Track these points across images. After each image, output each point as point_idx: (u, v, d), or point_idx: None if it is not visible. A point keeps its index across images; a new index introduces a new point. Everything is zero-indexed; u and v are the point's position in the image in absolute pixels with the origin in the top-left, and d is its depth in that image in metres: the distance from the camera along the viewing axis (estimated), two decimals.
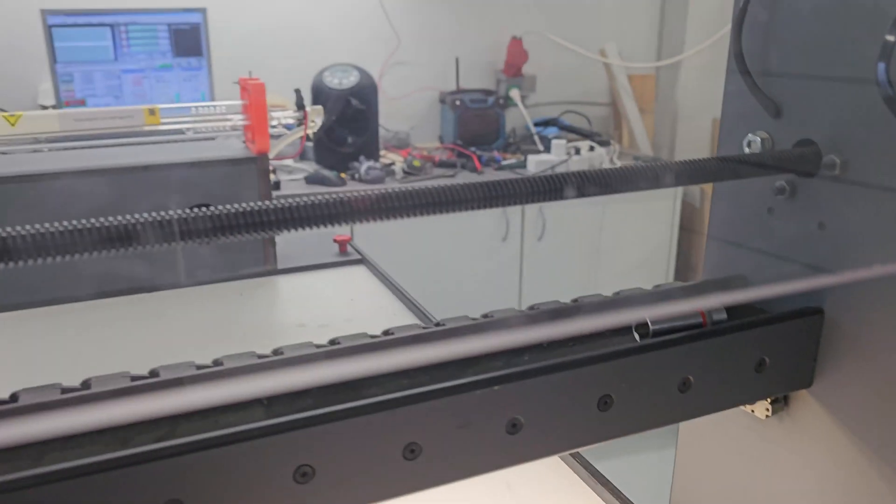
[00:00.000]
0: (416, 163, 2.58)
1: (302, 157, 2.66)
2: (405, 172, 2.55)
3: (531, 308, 0.52)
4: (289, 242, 1.49)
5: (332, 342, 0.47)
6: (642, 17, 3.14)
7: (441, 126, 3.01)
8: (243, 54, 2.64)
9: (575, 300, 0.54)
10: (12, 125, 1.15)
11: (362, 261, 1.45)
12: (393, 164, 2.63)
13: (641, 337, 0.51)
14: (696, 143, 3.05)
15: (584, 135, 2.89)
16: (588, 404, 0.45)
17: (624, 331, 0.53)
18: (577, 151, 2.65)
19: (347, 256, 1.47)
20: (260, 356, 0.43)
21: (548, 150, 2.75)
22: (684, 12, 2.98)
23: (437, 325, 0.50)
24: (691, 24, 2.95)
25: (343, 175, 2.49)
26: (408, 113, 3.03)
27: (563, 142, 2.67)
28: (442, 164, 2.67)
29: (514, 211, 2.60)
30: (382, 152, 2.72)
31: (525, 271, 2.65)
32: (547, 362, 0.44)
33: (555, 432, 0.44)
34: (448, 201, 0.40)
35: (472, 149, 2.78)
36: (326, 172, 2.46)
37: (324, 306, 1.25)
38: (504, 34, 2.94)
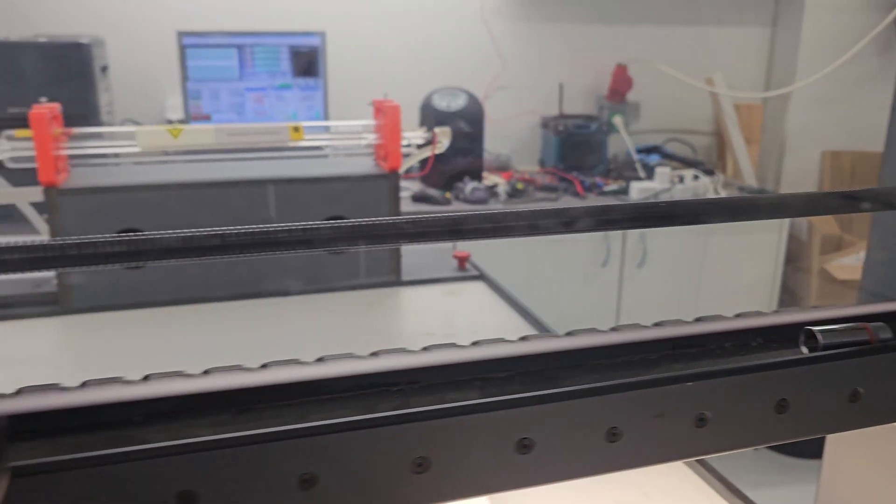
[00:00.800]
0: (520, 185, 2.64)
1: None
2: (508, 195, 2.61)
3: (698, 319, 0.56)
4: (408, 255, 1.55)
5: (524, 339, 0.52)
6: (751, 46, 3.12)
7: (542, 150, 3.05)
8: (355, 76, 2.76)
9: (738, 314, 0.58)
10: (175, 137, 1.26)
11: (481, 277, 1.50)
12: (496, 185, 2.69)
13: (810, 350, 0.54)
14: (803, 175, 3.00)
15: (688, 163, 2.88)
16: (767, 405, 0.49)
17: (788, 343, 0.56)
18: (682, 180, 2.65)
19: (466, 272, 1.53)
20: (473, 343, 0.48)
21: (650, 177, 2.76)
22: (796, 42, 2.94)
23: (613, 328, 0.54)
24: (803, 54, 2.91)
25: (447, 195, 2.56)
26: (508, 136, 3.09)
27: (668, 170, 2.67)
28: (544, 188, 2.71)
29: (614, 237, 2.61)
30: (484, 174, 2.78)
31: (624, 297, 2.65)
32: (732, 365, 0.47)
33: (737, 429, 0.48)
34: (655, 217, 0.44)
35: (574, 173, 2.81)
36: (432, 191, 2.54)
37: (448, 318, 1.30)
38: (609, 61, 2.97)
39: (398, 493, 0.42)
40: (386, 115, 1.38)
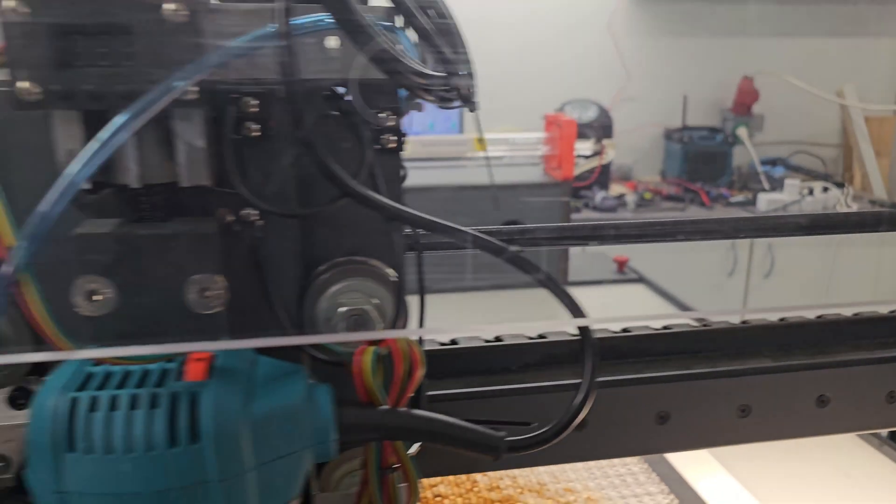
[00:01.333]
0: (647, 195, 2.71)
1: None
2: (637, 204, 2.68)
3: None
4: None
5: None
6: (883, 57, 3.10)
7: (665, 161, 3.11)
8: (487, 87, 2.89)
9: None
10: None
11: (641, 280, 1.60)
12: (623, 195, 2.77)
13: None
14: None
15: (814, 175, 2.89)
16: None
17: None
18: (811, 192, 2.66)
19: (625, 275, 1.63)
20: None
21: (777, 189, 2.78)
22: None
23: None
24: None
25: (575, 203, 2.66)
26: (631, 146, 3.16)
27: (797, 182, 2.69)
28: (669, 198, 2.77)
29: (742, 246, 2.65)
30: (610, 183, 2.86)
31: (749, 307, 2.68)
32: None
33: None
34: None
35: (698, 184, 2.86)
36: (564, 199, 2.65)
37: (625, 313, 1.41)
38: (733, 73, 3.00)
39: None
40: (561, 128, 1.49)
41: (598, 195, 2.66)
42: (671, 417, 0.58)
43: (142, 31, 0.31)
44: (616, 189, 2.87)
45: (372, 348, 0.38)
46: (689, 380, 0.58)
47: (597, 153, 1.50)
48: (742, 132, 3.00)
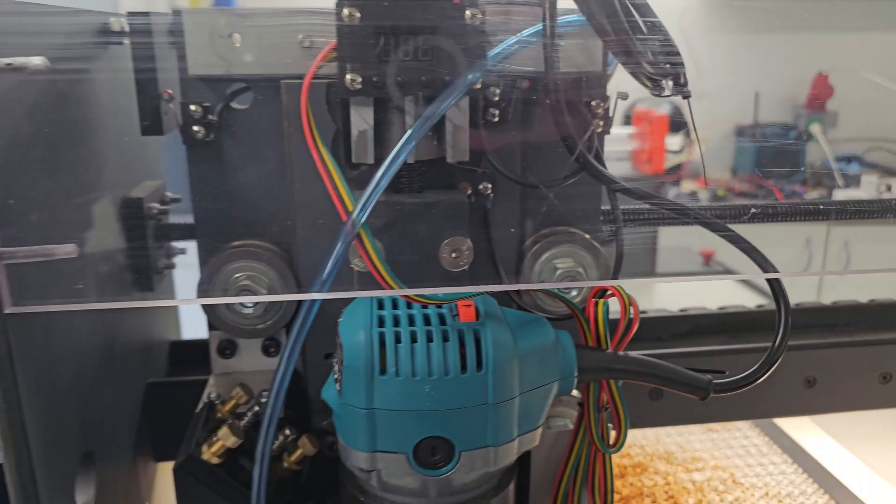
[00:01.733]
0: (721, 192, 2.72)
1: None
2: (710, 201, 2.70)
3: None
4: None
5: None
6: None
7: (735, 158, 3.11)
8: None
9: None
10: None
11: (728, 272, 1.63)
12: (694, 192, 2.79)
13: None
14: None
15: (893, 172, 2.86)
16: None
17: None
18: (889, 188, 2.65)
19: (711, 268, 1.67)
20: None
21: (849, 186, 2.77)
22: None
23: None
24: None
25: None
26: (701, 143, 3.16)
27: (874, 178, 2.68)
28: (743, 195, 2.79)
29: (816, 243, 2.64)
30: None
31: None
32: None
33: None
34: None
35: (771, 181, 2.86)
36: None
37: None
38: (806, 69, 2.99)
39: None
40: (652, 123, 1.54)
41: (671, 192, 2.69)
42: (818, 382, 0.64)
43: (446, 32, 0.38)
44: (687, 186, 2.89)
45: (603, 300, 0.44)
46: (834, 347, 0.64)
47: (684, 148, 1.53)
48: (816, 129, 3.00)
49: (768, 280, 0.48)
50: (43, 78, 0.35)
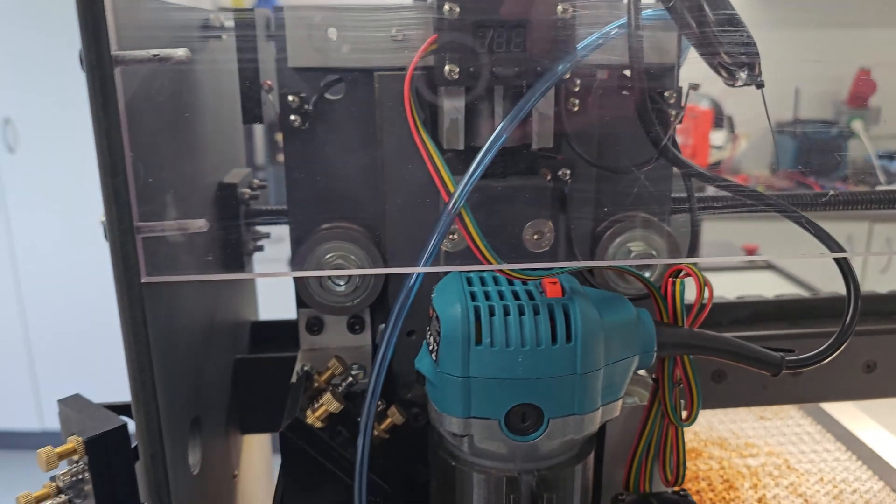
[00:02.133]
0: (761, 188, 2.71)
1: None
2: None
3: None
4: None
5: None
6: None
7: (775, 154, 3.09)
8: None
9: None
10: None
11: (770, 266, 1.64)
12: None
13: None
14: None
15: None
16: None
17: None
18: None
19: (753, 263, 1.67)
20: None
21: (895, 182, 2.73)
22: None
23: None
24: None
25: None
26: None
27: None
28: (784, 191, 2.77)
29: (858, 240, 2.62)
30: None
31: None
32: None
33: None
34: None
35: (811, 178, 2.84)
36: None
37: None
38: (848, 65, 2.96)
39: None
40: (696, 118, 1.55)
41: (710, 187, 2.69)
42: (877, 367, 0.65)
43: (538, 26, 0.41)
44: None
45: (680, 279, 0.47)
46: (894, 333, 0.65)
47: (729, 143, 1.54)
48: (857, 125, 2.97)
49: (836, 260, 0.50)
50: (176, 68, 0.38)
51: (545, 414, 0.42)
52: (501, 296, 0.44)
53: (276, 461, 0.52)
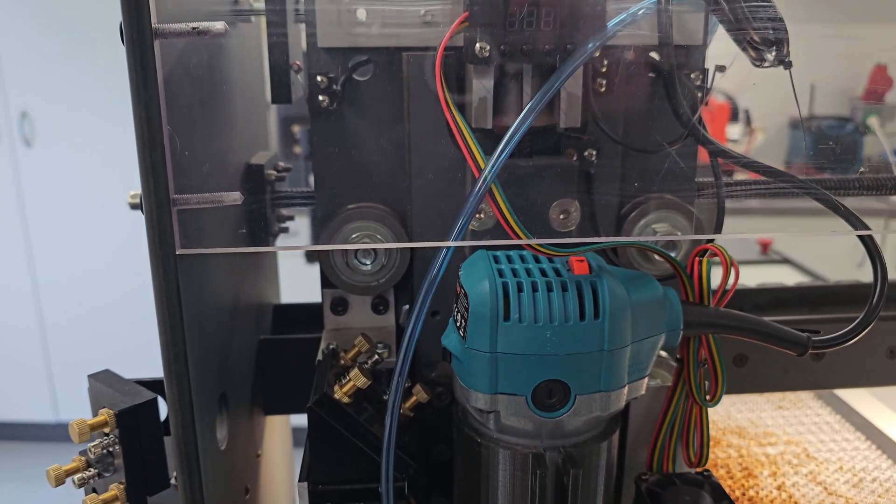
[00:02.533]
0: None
1: None
2: None
3: None
4: None
5: None
6: None
7: (789, 151, 3.08)
8: None
9: None
10: None
11: (786, 261, 1.63)
12: None
13: None
14: None
15: None
16: None
17: None
18: None
19: (769, 257, 1.67)
20: None
21: None
22: None
23: None
24: None
25: None
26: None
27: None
28: None
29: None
30: None
31: None
32: None
33: None
34: None
35: (826, 174, 2.83)
36: None
37: None
38: (864, 61, 2.94)
39: None
40: (713, 112, 1.55)
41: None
42: None
43: (568, 3, 0.41)
44: (738, 177, 2.87)
45: (707, 259, 0.47)
46: None
47: (746, 137, 1.54)
48: (873, 121, 2.95)
49: (862, 239, 0.50)
50: (210, 44, 0.39)
51: (572, 390, 0.43)
52: (529, 273, 0.44)
53: (297, 446, 0.52)
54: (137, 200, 0.58)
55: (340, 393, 0.45)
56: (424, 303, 0.43)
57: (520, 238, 0.42)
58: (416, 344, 0.54)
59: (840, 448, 0.83)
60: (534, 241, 0.42)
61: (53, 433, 2.69)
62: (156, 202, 0.37)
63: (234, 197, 0.39)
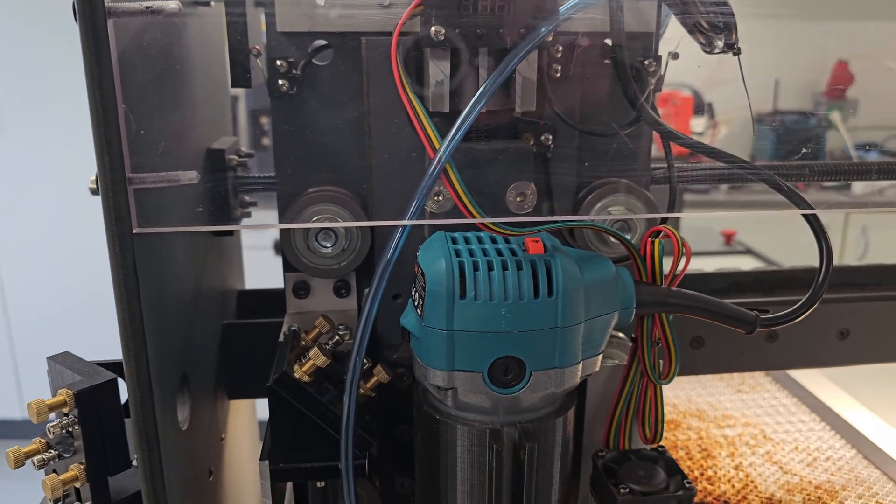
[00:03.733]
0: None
1: None
2: (730, 187, 2.72)
3: None
4: None
5: None
6: None
7: (755, 145, 3.13)
8: None
9: None
10: None
11: (749, 251, 1.66)
12: None
13: None
14: None
15: None
16: None
17: None
18: None
19: (732, 248, 1.70)
20: None
21: None
22: None
23: None
24: None
25: None
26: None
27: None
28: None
29: (834, 229, 2.66)
30: None
31: None
32: None
33: None
34: None
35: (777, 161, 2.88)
36: None
37: None
38: (827, 57, 3.00)
39: None
40: (677, 105, 1.57)
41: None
42: (850, 334, 0.67)
43: None
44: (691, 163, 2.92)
45: (659, 240, 0.48)
46: (867, 301, 0.67)
47: (709, 129, 1.56)
48: (835, 116, 3.02)
49: (808, 219, 0.52)
50: (166, 23, 0.39)
51: (527, 366, 0.44)
52: (485, 252, 0.45)
53: (262, 430, 0.53)
54: (96, 185, 0.58)
55: (300, 372, 0.45)
56: (381, 281, 0.44)
57: (473, 217, 0.43)
58: (378, 326, 0.55)
59: (796, 429, 0.86)
60: (488, 220, 0.43)
61: (20, 431, 2.66)
62: (111, 180, 0.37)
63: (191, 176, 0.39)
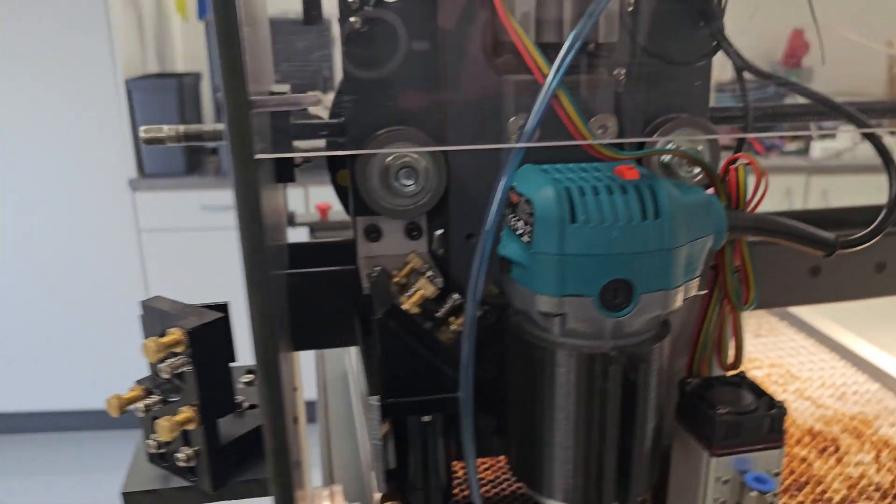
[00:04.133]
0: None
1: None
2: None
3: None
4: None
5: None
6: None
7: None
8: None
9: None
10: None
11: None
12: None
13: None
14: None
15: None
16: None
17: None
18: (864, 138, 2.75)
19: None
20: None
21: (828, 138, 2.86)
22: None
23: None
24: None
25: None
26: None
27: (851, 129, 2.78)
28: (724, 148, 2.87)
29: (796, 194, 2.74)
30: None
31: None
32: None
33: None
34: None
35: (751, 135, 2.95)
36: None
37: None
38: (783, 25, 3.07)
39: None
40: None
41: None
42: (887, 267, 0.69)
43: None
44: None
45: (741, 166, 0.49)
46: None
47: None
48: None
49: (871, 140, 0.54)
50: None
51: (636, 289, 0.44)
52: (584, 179, 0.45)
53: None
54: (151, 135, 0.57)
55: (409, 303, 0.45)
56: (493, 227, 0.44)
57: (586, 138, 0.43)
58: (453, 268, 0.55)
59: (819, 368, 0.88)
60: (596, 143, 0.43)
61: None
62: (237, 103, 0.36)
63: (312, 100, 0.39)
